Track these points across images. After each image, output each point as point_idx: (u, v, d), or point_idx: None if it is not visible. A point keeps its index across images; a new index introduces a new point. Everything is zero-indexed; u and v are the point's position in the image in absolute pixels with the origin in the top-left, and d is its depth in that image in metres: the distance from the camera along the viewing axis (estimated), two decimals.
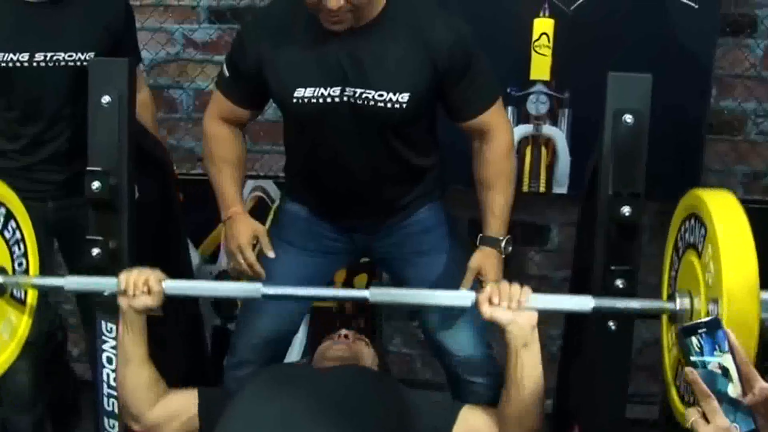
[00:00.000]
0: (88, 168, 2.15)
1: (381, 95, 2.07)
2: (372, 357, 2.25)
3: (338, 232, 2.37)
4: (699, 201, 1.73)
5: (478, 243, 2.27)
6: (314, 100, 2.09)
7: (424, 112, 2.19)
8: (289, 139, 2.34)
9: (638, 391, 3.09)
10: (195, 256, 3.23)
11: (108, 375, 2.26)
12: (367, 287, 3.23)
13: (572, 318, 2.52)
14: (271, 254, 2.29)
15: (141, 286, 1.93)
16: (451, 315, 2.27)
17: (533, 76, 2.99)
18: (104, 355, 2.25)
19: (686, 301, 1.72)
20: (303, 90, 2.09)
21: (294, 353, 3.09)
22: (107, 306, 2.18)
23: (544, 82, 3.00)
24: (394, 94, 2.06)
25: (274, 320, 2.39)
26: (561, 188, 3.11)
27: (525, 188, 3.09)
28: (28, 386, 2.86)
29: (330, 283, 3.10)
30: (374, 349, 2.33)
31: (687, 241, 1.80)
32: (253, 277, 2.27)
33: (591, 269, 2.09)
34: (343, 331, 2.25)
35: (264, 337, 2.39)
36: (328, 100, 2.09)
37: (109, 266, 2.16)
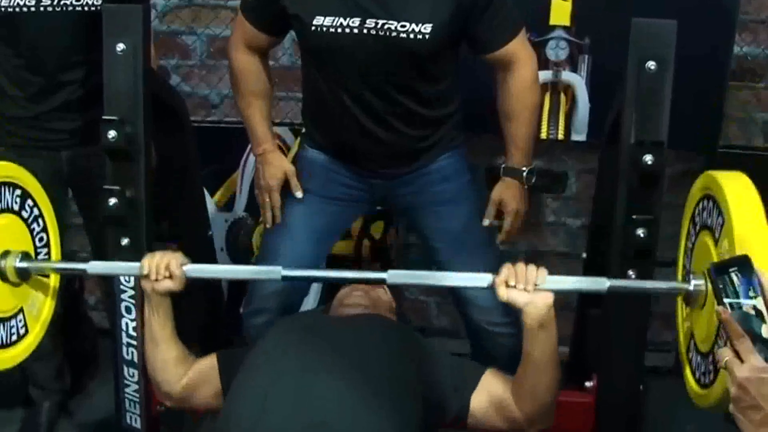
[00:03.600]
0: (104, 117, 2.14)
1: (404, 26, 2.05)
2: (390, 304, 2.25)
3: (357, 179, 2.36)
4: (716, 186, 1.70)
5: (501, 174, 2.30)
6: (333, 30, 2.08)
7: (447, 47, 2.17)
8: (307, 78, 2.33)
9: (653, 339, 3.09)
10: (210, 204, 3.22)
11: (127, 324, 2.27)
12: (383, 235, 3.31)
13: (590, 264, 2.51)
14: (299, 195, 2.37)
15: (163, 270, 1.93)
16: (470, 262, 2.27)
17: (553, 21, 2.95)
18: (123, 305, 2.26)
19: (701, 284, 1.70)
20: (322, 18, 2.08)
21: (310, 301, 3.09)
22: (125, 254, 2.18)
23: (564, 28, 2.96)
24: (417, 25, 2.05)
25: (291, 267, 2.39)
26: (580, 135, 3.09)
27: (543, 135, 3.07)
28: (46, 335, 2.88)
29: (346, 231, 3.12)
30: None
31: (704, 221, 1.78)
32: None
33: (612, 218, 2.08)
34: None
35: (281, 285, 2.39)
36: (347, 30, 2.07)
37: (126, 216, 2.16)
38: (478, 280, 1.90)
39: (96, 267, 2.04)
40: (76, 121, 2.60)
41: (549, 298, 1.82)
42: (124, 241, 2.19)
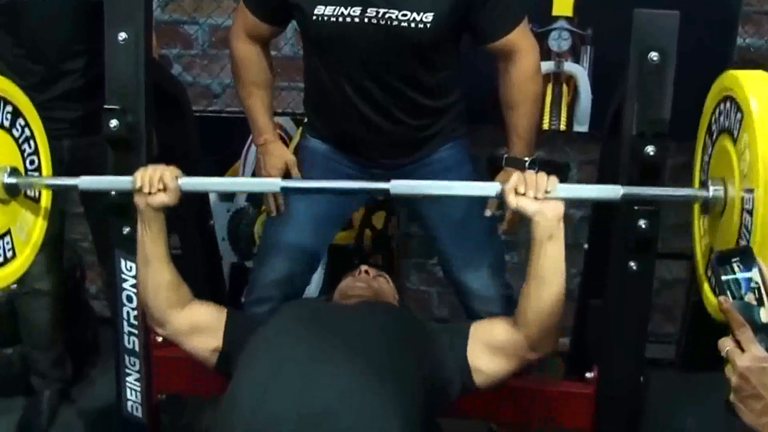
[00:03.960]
0: (105, 106, 2.13)
1: (405, 15, 2.05)
2: (393, 293, 2.25)
3: (358, 169, 2.36)
4: (735, 83, 1.66)
5: (503, 164, 2.31)
6: (334, 19, 2.08)
7: (449, 37, 2.17)
8: (309, 68, 2.33)
9: (654, 330, 3.10)
10: (211, 194, 3.22)
11: (128, 313, 2.27)
12: (385, 225, 3.31)
13: (592, 255, 2.51)
14: None
15: (156, 183, 1.90)
16: (471, 252, 2.28)
17: (556, 12, 2.95)
18: (124, 294, 2.26)
19: (719, 189, 1.67)
20: (323, 7, 2.08)
21: (312, 290, 3.10)
22: (127, 243, 2.18)
23: (567, 18, 2.96)
24: (418, 14, 2.05)
25: (293, 257, 2.40)
26: (581, 126, 3.09)
27: (545, 125, 3.07)
28: (47, 324, 2.89)
29: (348, 221, 3.12)
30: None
31: (721, 125, 1.73)
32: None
33: (613, 209, 2.07)
34: (364, 267, 2.24)
35: (283, 274, 2.40)
36: (348, 19, 2.07)
37: (128, 205, 2.15)
38: (487, 189, 1.88)
39: (88, 182, 2.00)
40: (78, 110, 2.61)
41: (560, 208, 1.79)
42: (126, 230, 2.18)
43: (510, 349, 1.91)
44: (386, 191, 1.90)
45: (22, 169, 1.94)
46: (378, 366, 1.83)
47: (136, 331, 2.28)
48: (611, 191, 1.83)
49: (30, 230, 1.97)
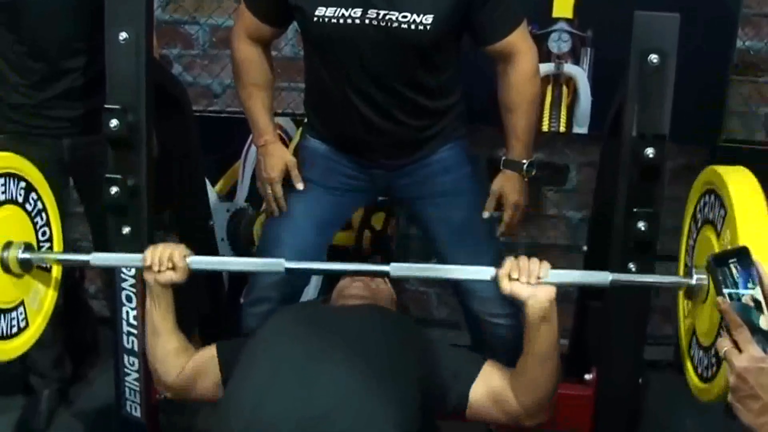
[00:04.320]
0: (106, 105, 2.14)
1: (405, 16, 2.05)
2: (390, 295, 2.26)
3: (358, 169, 2.37)
4: (718, 180, 1.71)
5: (501, 166, 2.32)
6: (335, 20, 2.08)
7: (449, 38, 2.17)
8: (309, 69, 2.33)
9: (653, 332, 3.10)
10: (211, 194, 3.22)
11: (128, 313, 2.27)
12: (384, 226, 3.31)
13: (591, 257, 2.52)
14: (300, 186, 2.37)
15: (166, 261, 1.94)
16: (471, 254, 2.28)
17: (556, 14, 2.95)
18: (123, 294, 2.26)
19: (703, 278, 1.70)
20: (324, 9, 2.08)
21: (311, 290, 3.10)
22: (126, 243, 2.19)
23: (567, 20, 2.96)
24: (418, 15, 2.05)
25: (292, 258, 2.39)
26: (581, 128, 3.09)
27: (545, 127, 3.07)
28: (46, 328, 2.88)
29: (347, 222, 3.12)
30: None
31: (705, 216, 1.78)
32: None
33: (613, 211, 2.08)
34: None
35: (282, 274, 2.39)
36: (349, 21, 2.07)
37: (128, 204, 2.16)
38: (481, 273, 1.90)
39: (99, 259, 2.04)
40: (78, 109, 2.61)
41: (551, 292, 1.83)
42: (126, 230, 2.19)
43: (506, 407, 1.95)
44: (386, 273, 1.94)
45: (34, 242, 1.99)
46: (376, 367, 1.84)
47: (135, 331, 2.28)
48: (601, 277, 1.86)
49: (42, 299, 2.03)
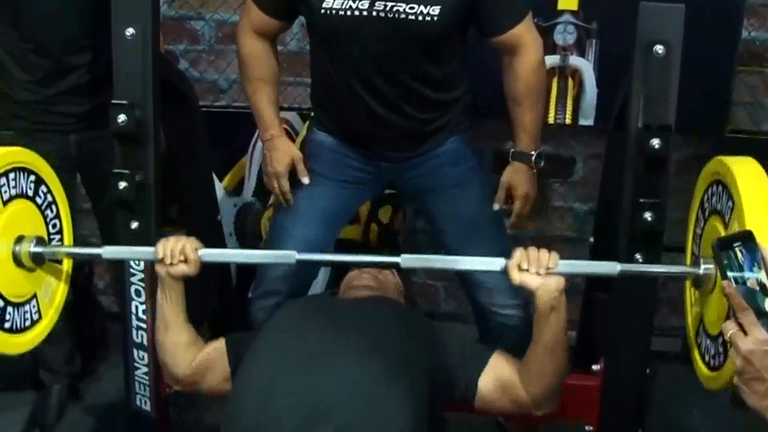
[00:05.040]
0: (114, 101, 2.14)
1: (412, 7, 2.06)
2: (398, 287, 2.26)
3: (365, 162, 2.37)
4: (726, 170, 1.71)
5: (510, 158, 2.32)
6: (342, 12, 2.09)
7: (455, 30, 2.18)
8: (316, 62, 2.34)
9: (660, 324, 3.10)
10: (219, 189, 3.23)
11: (137, 307, 2.28)
12: (391, 220, 3.31)
13: (598, 249, 2.52)
14: (306, 180, 2.37)
15: (178, 254, 1.95)
16: (479, 246, 2.28)
17: (561, 6, 2.96)
18: (133, 288, 2.27)
19: (710, 268, 1.71)
20: (331, 1, 2.09)
21: (319, 284, 3.11)
22: (135, 237, 2.20)
23: (572, 12, 2.96)
24: (425, 7, 2.06)
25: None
26: (587, 120, 3.09)
27: (551, 120, 3.07)
28: (58, 320, 2.89)
29: (355, 216, 3.13)
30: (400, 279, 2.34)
31: (713, 206, 1.79)
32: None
33: (619, 202, 2.08)
34: None
35: (290, 267, 2.41)
36: (356, 13, 2.08)
37: (136, 199, 2.17)
38: (491, 264, 1.92)
39: (111, 252, 2.05)
40: (84, 104, 2.62)
41: (561, 282, 1.85)
42: (134, 225, 2.19)
43: (515, 397, 1.96)
44: (396, 264, 1.95)
45: (45, 235, 2.00)
46: (385, 359, 1.84)
47: (144, 326, 2.29)
48: (609, 267, 1.88)
49: (54, 292, 2.04)
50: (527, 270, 1.83)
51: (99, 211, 2.83)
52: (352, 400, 1.76)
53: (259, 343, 1.95)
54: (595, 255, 2.53)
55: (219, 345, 2.08)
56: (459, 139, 2.35)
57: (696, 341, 1.81)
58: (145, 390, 2.35)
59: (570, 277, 1.88)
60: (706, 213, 1.83)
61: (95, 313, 3.31)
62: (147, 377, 2.34)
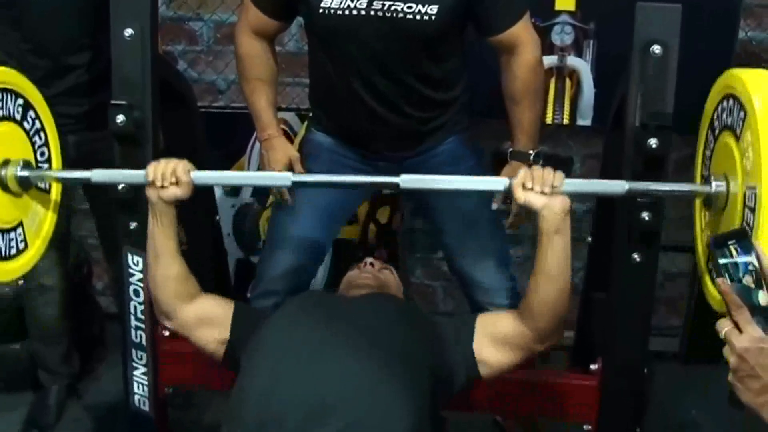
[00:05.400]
0: (112, 101, 2.14)
1: (410, 7, 2.06)
2: (398, 286, 2.26)
3: (363, 162, 2.38)
4: (738, 82, 1.68)
5: (508, 158, 2.33)
6: (340, 12, 2.09)
7: (453, 29, 2.18)
8: (314, 62, 2.34)
9: (658, 324, 3.11)
10: (217, 189, 3.23)
11: (135, 307, 2.28)
12: (389, 220, 3.32)
13: (595, 248, 2.52)
14: None
15: (169, 176, 1.91)
16: (477, 245, 2.29)
17: (558, 6, 2.96)
18: (131, 288, 2.27)
19: (722, 185, 1.69)
20: (329, 1, 2.09)
21: (317, 285, 3.11)
22: (134, 237, 2.20)
23: (570, 13, 2.97)
24: (423, 6, 2.06)
25: (299, 250, 2.41)
26: (585, 120, 3.10)
27: (549, 120, 3.08)
28: (54, 319, 2.90)
29: (353, 216, 3.13)
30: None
31: (724, 122, 1.75)
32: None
33: (616, 202, 2.08)
34: (369, 259, 2.25)
35: (289, 267, 2.41)
36: (354, 12, 2.08)
37: (135, 200, 2.17)
38: (495, 183, 1.91)
39: (100, 175, 2.01)
40: (83, 105, 2.62)
41: (566, 202, 1.82)
42: (133, 225, 2.20)
43: (516, 341, 1.92)
44: (396, 185, 1.93)
45: (33, 162, 1.95)
46: (387, 356, 1.83)
47: (143, 326, 2.29)
48: (617, 186, 1.86)
49: (41, 222, 1.99)
50: (531, 189, 1.80)
51: (97, 211, 2.84)
52: (356, 396, 1.75)
53: (262, 338, 1.92)
54: (594, 254, 2.53)
55: (227, 306, 2.03)
56: (457, 139, 2.36)
57: (707, 267, 1.78)
58: (143, 390, 2.35)
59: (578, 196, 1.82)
60: (717, 130, 1.80)
61: (94, 314, 3.32)
62: (145, 377, 2.34)
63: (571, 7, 2.95)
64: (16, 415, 2.95)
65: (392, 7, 2.07)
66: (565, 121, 3.11)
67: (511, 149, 2.34)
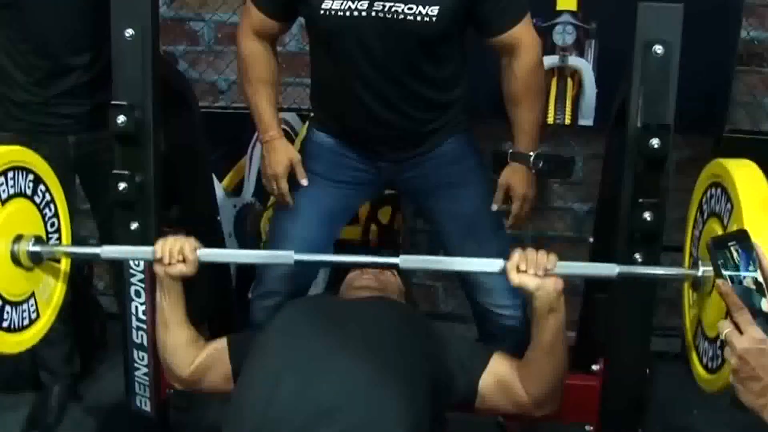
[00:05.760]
0: (113, 102, 2.15)
1: (410, 8, 2.07)
2: (399, 288, 2.27)
3: (364, 162, 2.38)
4: (725, 172, 1.72)
5: (508, 159, 2.33)
6: (341, 13, 2.09)
7: (454, 30, 2.18)
8: (315, 63, 2.34)
9: (660, 324, 3.10)
10: (218, 190, 3.23)
11: (137, 308, 2.28)
12: (391, 220, 3.32)
13: (597, 249, 2.52)
14: (304, 182, 2.37)
15: (176, 254, 1.95)
16: (478, 246, 2.29)
17: (560, 6, 2.96)
18: (132, 289, 2.27)
19: (709, 269, 1.70)
20: (331, 2, 2.09)
21: (319, 284, 3.11)
22: (134, 238, 2.20)
23: (571, 12, 2.96)
24: (424, 7, 2.06)
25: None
26: (586, 120, 3.09)
27: (550, 120, 3.07)
28: (56, 320, 2.89)
29: (354, 216, 3.13)
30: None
31: (711, 208, 1.79)
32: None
33: (618, 202, 2.08)
34: None
35: (290, 268, 2.41)
36: (355, 13, 2.09)
37: (136, 200, 2.17)
38: (490, 265, 1.92)
39: (109, 251, 2.06)
40: (83, 105, 2.62)
41: (559, 284, 1.85)
42: (134, 226, 2.20)
43: (515, 399, 1.98)
44: (395, 266, 1.97)
45: (43, 234, 2.01)
46: (386, 361, 1.84)
47: (144, 326, 2.29)
48: (608, 269, 1.89)
49: (52, 291, 2.05)
50: (525, 271, 1.84)
51: (98, 212, 2.83)
52: (355, 402, 1.76)
53: (262, 344, 1.95)
54: (595, 254, 2.53)
55: (221, 344, 2.09)
56: (458, 139, 2.36)
57: (694, 343, 1.82)
58: (144, 391, 2.36)
59: (569, 278, 1.88)
60: (705, 215, 1.83)
61: (95, 314, 3.31)
62: (147, 378, 2.34)
63: (573, 6, 2.95)
64: (18, 415, 2.94)
65: (393, 9, 2.07)
66: (567, 121, 3.10)
67: (511, 150, 2.33)
